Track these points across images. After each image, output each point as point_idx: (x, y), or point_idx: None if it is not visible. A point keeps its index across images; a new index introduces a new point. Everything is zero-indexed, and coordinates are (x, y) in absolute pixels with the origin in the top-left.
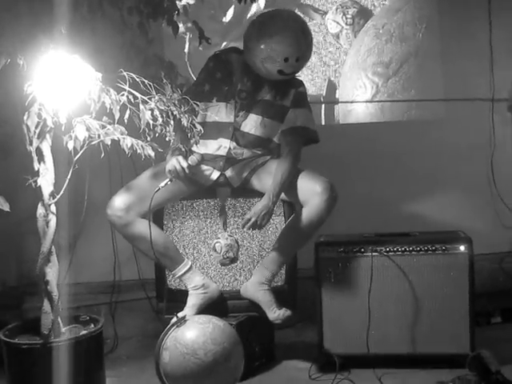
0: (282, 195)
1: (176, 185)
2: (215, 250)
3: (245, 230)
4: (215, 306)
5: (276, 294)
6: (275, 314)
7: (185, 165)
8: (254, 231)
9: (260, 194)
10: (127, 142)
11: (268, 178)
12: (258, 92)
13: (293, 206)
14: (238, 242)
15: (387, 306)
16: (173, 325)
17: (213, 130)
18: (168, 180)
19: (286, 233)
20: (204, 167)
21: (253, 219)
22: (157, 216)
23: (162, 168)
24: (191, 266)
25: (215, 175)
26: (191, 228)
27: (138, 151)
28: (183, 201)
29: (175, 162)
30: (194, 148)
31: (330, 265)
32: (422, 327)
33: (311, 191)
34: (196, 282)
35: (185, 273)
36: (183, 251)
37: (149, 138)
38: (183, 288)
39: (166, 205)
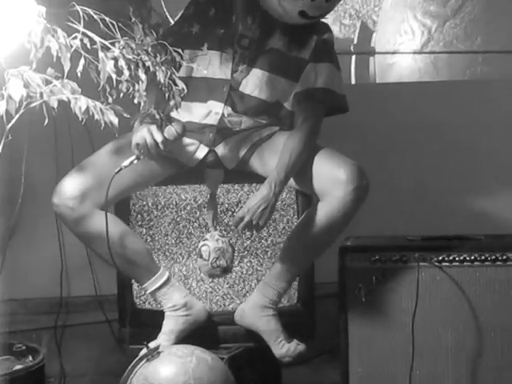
0: (292, 183)
1: (146, 165)
2: (201, 257)
3: (238, 231)
4: (201, 334)
5: (285, 320)
6: (283, 348)
7: (159, 138)
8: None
9: (263, 180)
10: (81, 103)
11: (274, 158)
12: (267, 39)
13: (310, 199)
14: (232, 246)
15: (438, 336)
16: (142, 358)
17: (201, 90)
18: (135, 158)
19: (297, 235)
20: (186, 141)
21: (247, 217)
22: (121, 208)
23: (129, 141)
24: (169, 278)
25: (202, 152)
26: (167, 225)
27: (96, 117)
28: (157, 187)
29: (146, 134)
30: (174, 114)
31: (359, 278)
32: (487, 368)
33: (333, 179)
34: (175, 300)
35: (160, 287)
36: (157, 258)
37: (111, 99)
38: (157, 308)
39: (134, 192)
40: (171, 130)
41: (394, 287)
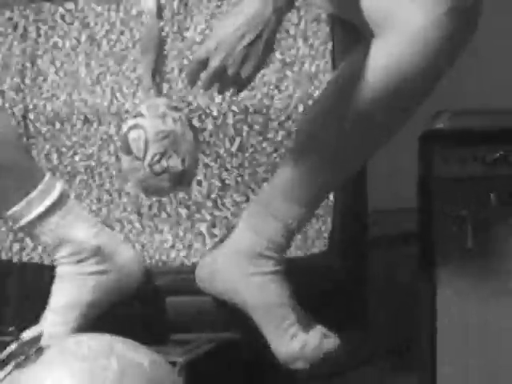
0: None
1: None
2: (128, 151)
3: (199, 90)
4: (130, 313)
5: (301, 286)
6: (293, 342)
7: None
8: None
9: None
10: None
11: None
12: None
13: (357, 34)
14: (195, 129)
15: None
16: (7, 360)
17: None
18: None
19: (329, 105)
20: None
21: (216, 60)
22: None
23: None
24: (63, 195)
25: None
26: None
27: None
28: None
29: None
30: None
31: (461, 199)
32: None
33: None
34: (76, 240)
35: (47, 212)
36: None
37: None
38: (39, 259)
39: None
40: None
41: None
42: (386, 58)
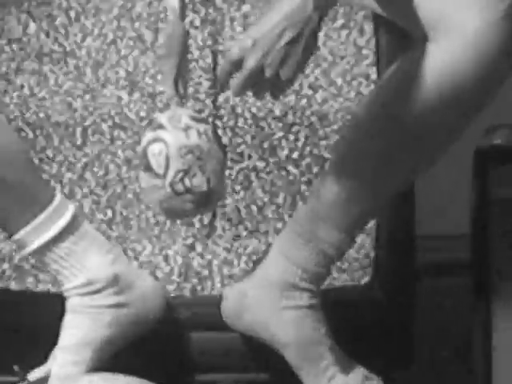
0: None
1: None
2: (148, 168)
3: (231, 94)
4: (151, 350)
5: (341, 321)
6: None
7: None
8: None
9: None
10: None
11: None
12: None
13: (406, 37)
14: (220, 143)
15: None
16: None
17: None
18: None
19: (376, 113)
20: None
21: (252, 60)
22: None
23: None
24: (76, 218)
25: None
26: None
27: None
28: None
29: None
30: None
31: None
32: None
33: None
34: (91, 268)
35: (57, 237)
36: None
37: None
38: (48, 289)
39: None
40: None
41: None
42: (438, 63)
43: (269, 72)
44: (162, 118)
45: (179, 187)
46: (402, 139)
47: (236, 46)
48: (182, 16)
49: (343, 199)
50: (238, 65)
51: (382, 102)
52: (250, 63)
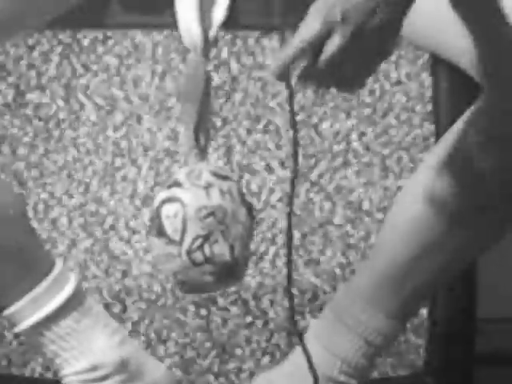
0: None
1: None
2: (161, 233)
3: (302, 87)
4: None
5: None
6: None
7: None
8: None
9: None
10: None
11: None
12: None
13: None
14: (248, 203)
15: None
16: None
17: None
18: None
19: (442, 172)
20: None
21: (341, 36)
22: None
23: None
24: (79, 291)
25: None
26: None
27: None
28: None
29: None
30: None
31: None
32: None
33: None
34: (97, 351)
35: (57, 314)
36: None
37: None
38: (46, 375)
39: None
40: None
41: None
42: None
43: (329, 50)
44: (179, 173)
45: (198, 256)
46: (464, 209)
47: (316, 17)
48: (206, 52)
49: (391, 280)
50: (316, 46)
51: (441, 158)
52: (340, 39)
